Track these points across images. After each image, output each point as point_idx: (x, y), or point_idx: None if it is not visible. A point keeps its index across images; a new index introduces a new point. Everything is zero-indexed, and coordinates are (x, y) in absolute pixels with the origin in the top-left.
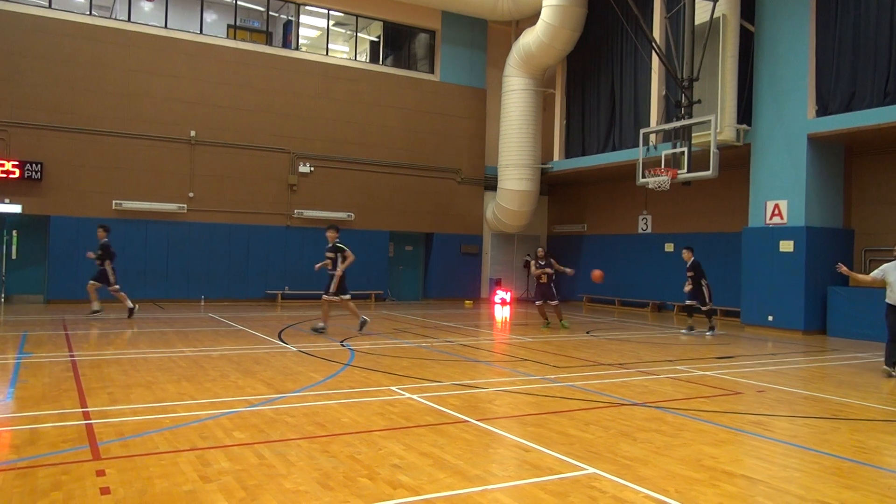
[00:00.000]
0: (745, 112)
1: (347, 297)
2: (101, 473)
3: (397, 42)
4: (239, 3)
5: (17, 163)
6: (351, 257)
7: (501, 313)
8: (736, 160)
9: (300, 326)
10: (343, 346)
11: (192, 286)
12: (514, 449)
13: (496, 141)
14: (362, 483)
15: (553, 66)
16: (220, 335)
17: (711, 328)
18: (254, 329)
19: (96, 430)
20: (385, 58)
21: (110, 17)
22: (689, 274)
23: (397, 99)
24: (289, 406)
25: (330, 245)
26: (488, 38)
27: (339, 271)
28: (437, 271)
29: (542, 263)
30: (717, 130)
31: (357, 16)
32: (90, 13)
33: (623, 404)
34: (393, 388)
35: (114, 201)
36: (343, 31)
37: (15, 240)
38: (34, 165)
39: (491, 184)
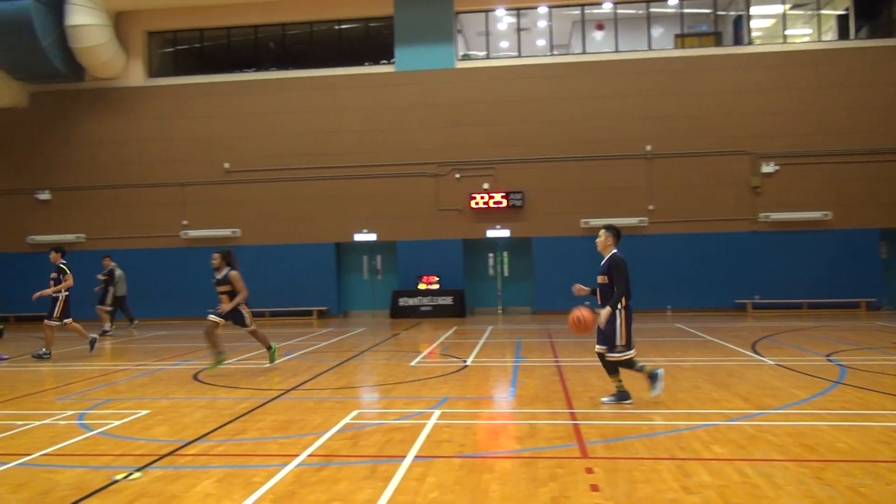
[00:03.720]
0: None
1: (69, 320)
2: (589, 471)
3: (871, 9)
4: (685, 10)
5: (503, 194)
6: (69, 282)
7: None
8: None
9: (777, 338)
10: (829, 360)
11: (656, 296)
12: None
13: None
14: None
15: None
16: (688, 345)
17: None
18: (723, 340)
19: (582, 431)
20: (857, 31)
21: (566, 53)
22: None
23: (878, 75)
24: (770, 424)
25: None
26: None
27: (62, 293)
28: None
29: (219, 278)
30: None
31: None
32: (551, 53)
33: None
34: None
35: (581, 220)
36: (801, 12)
37: (506, 260)
38: (516, 195)
39: None
